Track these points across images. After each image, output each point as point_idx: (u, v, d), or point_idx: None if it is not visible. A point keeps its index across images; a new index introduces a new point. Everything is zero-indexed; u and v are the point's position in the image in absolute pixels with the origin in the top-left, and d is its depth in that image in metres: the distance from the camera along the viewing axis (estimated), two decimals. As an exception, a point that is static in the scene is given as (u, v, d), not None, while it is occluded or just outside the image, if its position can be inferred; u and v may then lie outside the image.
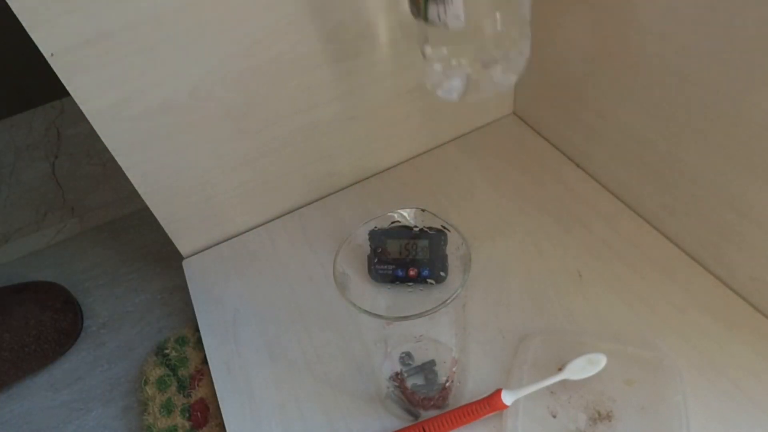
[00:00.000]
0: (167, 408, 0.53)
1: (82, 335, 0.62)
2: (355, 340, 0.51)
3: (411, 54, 0.59)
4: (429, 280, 0.51)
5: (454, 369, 0.45)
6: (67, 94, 0.45)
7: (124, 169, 0.52)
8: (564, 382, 0.43)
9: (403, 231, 0.45)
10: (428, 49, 0.34)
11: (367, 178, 0.68)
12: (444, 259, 0.50)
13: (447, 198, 0.63)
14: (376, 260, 0.51)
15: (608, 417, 0.43)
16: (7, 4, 0.39)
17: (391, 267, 0.51)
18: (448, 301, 0.34)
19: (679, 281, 0.52)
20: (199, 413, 0.52)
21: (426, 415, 0.44)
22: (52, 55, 0.43)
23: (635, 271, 0.53)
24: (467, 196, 0.63)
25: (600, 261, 0.54)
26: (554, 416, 0.44)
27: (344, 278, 0.38)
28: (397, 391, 0.45)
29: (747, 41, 0.40)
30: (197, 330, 0.57)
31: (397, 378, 0.45)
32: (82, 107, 0.47)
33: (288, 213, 0.65)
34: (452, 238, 0.40)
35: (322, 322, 0.53)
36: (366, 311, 0.35)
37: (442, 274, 0.50)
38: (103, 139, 0.49)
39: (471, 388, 0.46)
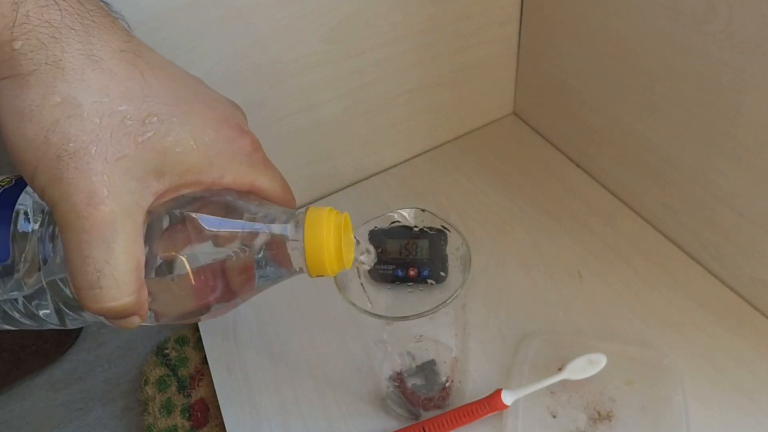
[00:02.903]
0: (167, 408, 0.53)
1: (82, 335, 0.62)
2: (355, 340, 0.51)
3: (411, 54, 0.59)
4: (429, 280, 0.51)
5: (454, 369, 0.45)
6: (67, 94, 0.45)
7: (124, 169, 0.52)
8: (564, 382, 0.43)
9: (403, 231, 0.44)
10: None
11: (367, 178, 0.68)
12: (444, 259, 0.50)
13: (447, 198, 0.63)
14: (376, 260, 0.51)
15: (608, 417, 0.43)
16: (7, 4, 0.39)
17: (391, 267, 0.51)
18: (448, 301, 0.34)
19: (679, 281, 0.52)
20: (199, 413, 0.52)
21: (426, 415, 0.44)
22: (52, 55, 0.43)
23: (635, 271, 0.53)
24: (467, 196, 0.63)
25: (600, 261, 0.54)
26: (554, 416, 0.44)
27: (344, 278, 0.38)
28: (397, 391, 0.45)
29: (746, 41, 0.40)
30: (197, 330, 0.56)
31: (397, 378, 0.45)
32: (82, 107, 0.47)
33: (288, 213, 0.65)
34: (452, 238, 0.40)
35: (322, 322, 0.53)
36: (366, 311, 0.35)
37: (442, 274, 0.50)
38: (103, 139, 0.49)
39: (471, 388, 0.46)
